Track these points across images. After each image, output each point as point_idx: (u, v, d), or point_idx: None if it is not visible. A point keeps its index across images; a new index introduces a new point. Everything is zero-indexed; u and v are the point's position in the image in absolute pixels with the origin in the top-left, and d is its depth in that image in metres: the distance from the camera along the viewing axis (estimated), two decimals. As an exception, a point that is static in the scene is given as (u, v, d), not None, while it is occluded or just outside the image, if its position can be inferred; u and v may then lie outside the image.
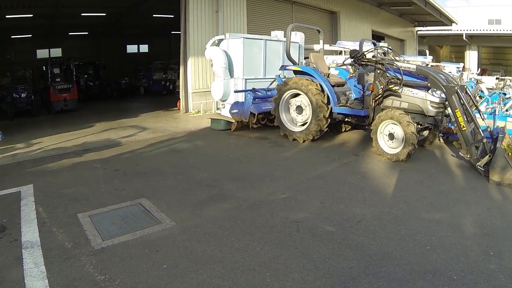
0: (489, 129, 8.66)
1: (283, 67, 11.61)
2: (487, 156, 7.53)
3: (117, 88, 28.72)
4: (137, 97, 28.59)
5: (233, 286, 4.04)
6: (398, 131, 8.40)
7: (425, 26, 39.32)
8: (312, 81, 10.04)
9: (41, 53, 31.90)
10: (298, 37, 16.01)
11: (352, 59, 9.44)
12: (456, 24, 38.00)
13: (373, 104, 9.11)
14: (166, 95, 26.36)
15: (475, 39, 43.17)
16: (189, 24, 16.28)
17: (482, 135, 7.86)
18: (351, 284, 4.03)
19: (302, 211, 5.96)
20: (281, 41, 15.26)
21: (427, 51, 31.12)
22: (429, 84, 8.38)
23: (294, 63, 11.29)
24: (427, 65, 17.30)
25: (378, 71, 8.92)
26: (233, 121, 12.07)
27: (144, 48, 40.25)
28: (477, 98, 15.83)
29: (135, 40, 38.61)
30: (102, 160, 9.28)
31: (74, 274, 4.32)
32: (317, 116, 9.76)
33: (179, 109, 17.28)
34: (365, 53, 9.34)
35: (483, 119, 8.81)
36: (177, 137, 11.84)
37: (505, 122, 9.66)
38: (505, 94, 14.77)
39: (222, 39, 14.87)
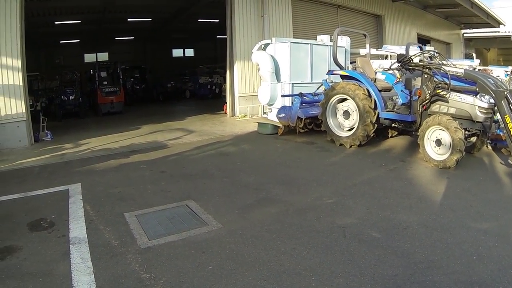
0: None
1: (330, 72, 11.66)
2: None
3: (163, 91, 29.24)
4: (183, 100, 29.01)
5: (279, 290, 4.12)
6: (446, 137, 8.32)
7: (472, 29, 38.31)
8: (359, 86, 10.07)
9: (89, 57, 32.93)
10: (344, 41, 15.99)
11: (399, 64, 9.41)
12: (504, 25, 36.77)
13: (420, 109, 9.06)
14: (212, 99, 26.75)
15: None
16: (235, 28, 16.51)
17: (531, 139, 7.75)
18: (397, 291, 4.08)
19: (348, 216, 6.02)
20: (327, 45, 15.28)
21: (474, 54, 30.36)
22: (477, 89, 8.27)
23: (341, 67, 11.36)
24: (475, 69, 17.01)
25: (426, 76, 8.89)
26: (280, 125, 12.18)
27: (189, 52, 40.86)
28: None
29: (181, 44, 39.21)
30: (148, 161, 9.54)
31: (119, 271, 4.49)
32: (364, 121, 9.78)
33: (225, 113, 17.51)
34: (412, 57, 9.29)
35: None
36: (223, 140, 12.04)
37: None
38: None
39: (269, 44, 15.02)
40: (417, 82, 9.43)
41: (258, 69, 14.68)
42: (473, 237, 5.30)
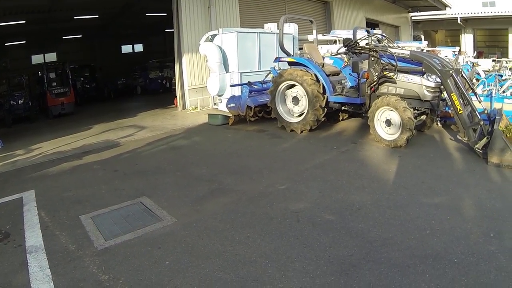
0: (486, 111, 8.66)
1: (277, 59, 11.57)
2: (485, 138, 7.51)
3: (113, 89, 28.69)
4: (134, 96, 28.56)
5: (235, 279, 4.05)
6: (395, 117, 8.38)
7: (419, 12, 39.02)
8: (307, 71, 10.01)
9: (36, 59, 31.79)
10: (291, 28, 15.93)
11: (346, 48, 9.41)
12: (450, 8, 37.67)
13: (369, 91, 9.08)
14: (164, 93, 26.34)
15: (470, 23, 42.69)
16: (182, 21, 16.22)
17: (479, 117, 7.84)
18: (352, 271, 4.04)
19: (301, 201, 5.96)
20: (274, 33, 15.14)
21: (422, 37, 30.93)
22: (423, 69, 8.36)
23: (288, 54, 11.29)
24: (422, 50, 17.27)
25: (372, 59, 8.90)
26: (231, 115, 12.05)
27: (139, 47, 40.16)
28: (474, 81, 15.80)
29: (130, 40, 38.48)
30: (101, 161, 9.27)
31: (78, 275, 4.34)
32: (314, 106, 9.74)
33: (176, 107, 17.26)
34: (358, 41, 9.30)
35: (479, 102, 8.81)
36: (175, 134, 11.83)
37: (502, 104, 9.65)
38: (501, 75, 14.71)
39: (216, 35, 14.82)
40: (364, 65, 9.44)
41: (206, 61, 14.48)
42: (426, 212, 5.34)
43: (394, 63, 8.52)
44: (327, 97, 9.81)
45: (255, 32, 14.63)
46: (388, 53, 8.71)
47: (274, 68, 12.02)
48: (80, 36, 32.65)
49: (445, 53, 21.76)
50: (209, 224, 5.39)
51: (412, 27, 39.83)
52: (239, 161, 8.47)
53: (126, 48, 39.43)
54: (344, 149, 8.77)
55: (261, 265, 4.25)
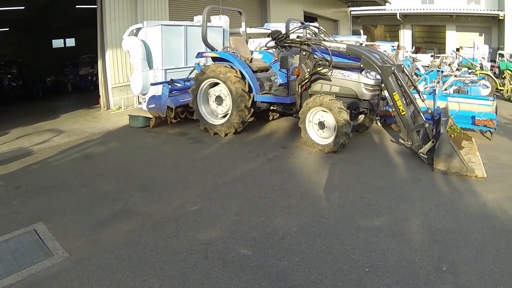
0: (429, 111, 7.93)
1: (199, 54, 10.38)
2: (430, 142, 6.80)
3: (43, 87, 26.78)
4: (64, 95, 26.82)
5: None
6: (329, 119, 7.44)
7: (359, 6, 38.91)
8: (232, 67, 8.92)
9: (-42, 57, 29.56)
10: (222, 21, 14.89)
11: (274, 41, 8.37)
12: (390, 3, 38.12)
13: (300, 89, 8.06)
14: (94, 91, 24.81)
15: (409, 18, 43.66)
16: (106, 12, 14.82)
17: (423, 118, 7.09)
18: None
19: (213, 228, 4.89)
20: (207, 26, 14.07)
21: (362, 31, 30.58)
22: (362, 65, 7.42)
23: (211, 49, 10.08)
24: (361, 44, 16.51)
25: (304, 53, 7.89)
26: (152, 116, 10.85)
27: (71, 41, 38.06)
28: (414, 77, 15.33)
29: (62, 34, 36.38)
30: (7, 175, 7.85)
31: None
32: (238, 106, 8.67)
33: (101, 107, 15.92)
34: (289, 33, 8.28)
35: (423, 100, 8.04)
36: (92, 139, 10.53)
37: (446, 103, 8.93)
38: (442, 71, 14.23)
39: (140, 28, 13.60)
40: (295, 60, 8.45)
41: (130, 57, 13.25)
42: (365, 240, 4.42)
43: (329, 58, 7.54)
44: (254, 96, 8.76)
45: (182, 25, 13.48)
46: (322, 47, 7.73)
47: (198, 64, 10.88)
48: (7, 29, 30.56)
49: (384, 47, 21.80)
50: (103, 261, 4.34)
51: (351, 21, 39.64)
52: (152, 172, 7.28)
53: (57, 43, 37.29)
54: (272, 155, 7.71)
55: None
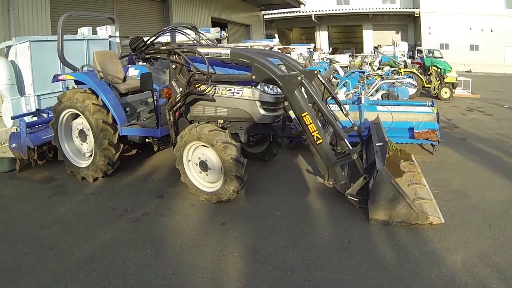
0: (355, 128, 5.93)
1: (55, 77, 7.89)
2: (361, 178, 4.86)
3: None
4: None
5: None
6: (213, 158, 5.21)
7: (272, 9, 37.68)
8: (92, 93, 6.60)
9: None
10: (109, 31, 12.49)
11: (134, 52, 6.03)
12: (305, 5, 37.52)
13: (172, 117, 5.76)
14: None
15: (324, 20, 43.94)
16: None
17: (349, 145, 5.08)
18: None
19: None
20: (88, 39, 11.62)
21: (276, 35, 29.03)
22: (253, 76, 5.19)
23: (72, 69, 7.62)
24: (271, 48, 14.50)
25: (174, 66, 5.63)
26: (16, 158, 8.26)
27: None
28: (333, 80, 13.65)
29: None
30: None
31: None
32: (101, 144, 6.32)
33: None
34: (153, 41, 5.96)
35: (345, 115, 6.09)
36: None
37: (377, 113, 7.05)
38: (363, 72, 12.57)
39: (11, 46, 10.99)
40: (167, 77, 6.21)
41: (-3, 82, 10.60)
42: None
43: (206, 70, 5.35)
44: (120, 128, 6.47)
45: (57, 40, 11.00)
46: (197, 55, 5.51)
47: (68, 87, 8.45)
48: None
49: (300, 50, 20.96)
50: None
51: (264, 25, 38.35)
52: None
53: None
54: (141, 212, 5.34)
55: None
